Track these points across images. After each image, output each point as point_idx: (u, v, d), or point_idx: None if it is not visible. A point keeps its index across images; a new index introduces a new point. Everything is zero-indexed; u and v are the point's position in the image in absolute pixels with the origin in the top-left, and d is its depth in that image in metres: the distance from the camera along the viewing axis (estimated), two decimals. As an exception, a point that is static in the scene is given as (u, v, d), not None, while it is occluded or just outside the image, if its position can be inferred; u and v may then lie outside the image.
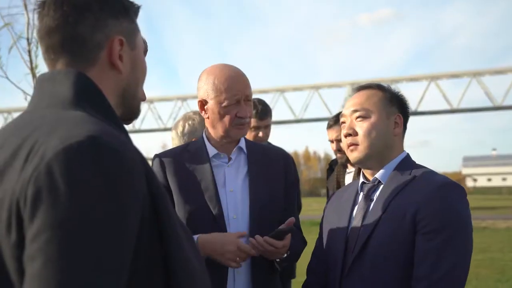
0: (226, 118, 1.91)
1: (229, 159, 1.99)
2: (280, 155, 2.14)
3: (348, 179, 3.28)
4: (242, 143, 2.03)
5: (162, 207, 0.92)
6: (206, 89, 1.93)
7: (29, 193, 0.78)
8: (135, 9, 1.12)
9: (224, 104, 1.89)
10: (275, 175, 2.02)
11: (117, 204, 0.81)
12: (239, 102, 1.91)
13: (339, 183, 3.34)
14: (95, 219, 0.78)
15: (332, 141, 3.39)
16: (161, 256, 0.91)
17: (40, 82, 1.01)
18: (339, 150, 3.32)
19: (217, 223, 1.87)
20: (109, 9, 1.04)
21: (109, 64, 1.04)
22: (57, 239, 0.75)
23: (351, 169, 3.31)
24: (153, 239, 0.90)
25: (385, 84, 1.83)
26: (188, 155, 1.99)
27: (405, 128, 1.80)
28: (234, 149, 2.00)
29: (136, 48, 1.10)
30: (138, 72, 1.12)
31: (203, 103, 1.96)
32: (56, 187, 0.77)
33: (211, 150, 1.99)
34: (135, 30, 1.11)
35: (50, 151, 0.80)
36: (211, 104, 1.93)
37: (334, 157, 3.74)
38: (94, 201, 0.78)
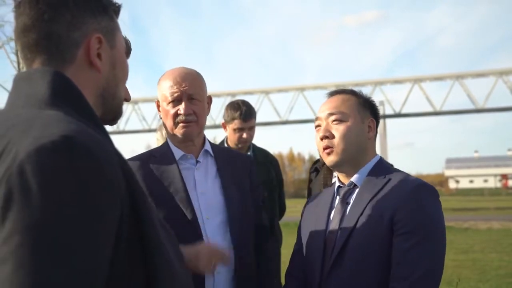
0: (169, 116, 1.97)
1: (197, 162, 2.01)
2: (244, 157, 2.20)
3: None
4: (208, 146, 2.06)
5: (142, 207, 0.90)
6: (158, 91, 2.01)
7: (0, 195, 0.76)
8: (115, 8, 1.10)
9: (166, 102, 1.97)
10: (241, 177, 2.06)
11: (91, 204, 0.78)
12: (180, 100, 1.94)
13: (326, 186, 3.32)
14: (68, 221, 0.75)
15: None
16: (142, 257, 0.89)
17: (17, 81, 0.99)
18: None
19: (191, 225, 1.86)
20: (86, 7, 1.02)
21: (87, 62, 1.02)
22: (29, 242, 0.73)
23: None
24: (133, 240, 0.88)
25: (357, 90, 1.86)
26: (154, 160, 1.99)
27: (376, 133, 1.84)
28: (201, 152, 2.02)
29: (115, 46, 1.08)
30: (118, 71, 1.10)
31: (158, 105, 2.04)
32: (28, 188, 0.75)
33: (177, 152, 2.01)
34: (114, 28, 1.09)
35: (23, 151, 0.78)
36: (161, 105, 2.01)
37: (318, 158, 3.72)
38: (67, 202, 0.76)
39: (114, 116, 1.13)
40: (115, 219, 0.83)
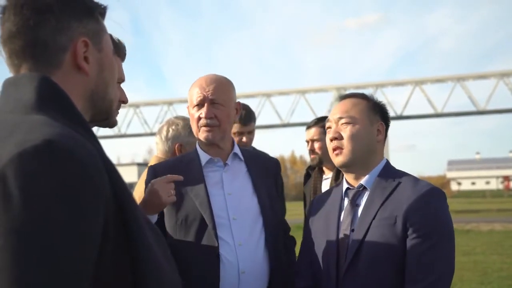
0: (194, 120, 2.03)
1: (225, 164, 2.04)
2: (271, 161, 2.23)
3: (325, 185, 3.28)
4: (237, 150, 2.10)
5: (128, 209, 0.91)
6: (188, 96, 2.07)
7: None
8: (101, 10, 1.10)
9: (192, 106, 2.03)
10: (269, 180, 2.11)
11: (74, 207, 0.79)
12: (203, 104, 1.98)
13: (316, 189, 3.34)
14: (49, 224, 0.76)
15: (307, 142, 3.42)
16: (129, 259, 0.90)
17: (5, 87, 0.99)
18: (312, 150, 3.34)
19: (208, 227, 1.89)
20: (71, 11, 1.02)
21: (74, 66, 1.02)
22: (10, 246, 0.73)
23: (327, 175, 3.31)
24: (120, 242, 0.88)
25: (368, 94, 1.90)
26: (182, 165, 2.03)
27: (386, 136, 1.87)
28: (230, 155, 2.05)
29: (103, 49, 1.09)
30: (107, 73, 1.10)
31: (188, 111, 2.08)
32: (9, 193, 0.75)
33: (204, 157, 2.04)
34: (101, 31, 1.09)
35: (5, 156, 0.78)
36: (189, 109, 2.06)
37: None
38: (49, 207, 0.76)
39: (106, 117, 1.14)
40: (99, 221, 0.83)
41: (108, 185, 0.86)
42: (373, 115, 1.82)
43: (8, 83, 0.99)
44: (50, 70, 0.99)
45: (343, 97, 1.90)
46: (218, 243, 1.87)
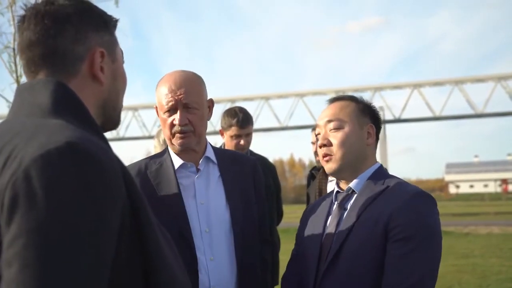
0: (167, 127, 1.88)
1: (198, 170, 1.91)
2: (248, 161, 2.09)
3: (330, 187, 3.28)
4: (210, 152, 1.96)
5: (142, 213, 0.93)
6: (156, 96, 1.91)
7: (6, 199, 0.79)
8: (114, 23, 1.14)
9: (162, 111, 1.87)
10: (246, 181, 1.98)
11: (95, 209, 0.81)
12: (175, 109, 1.84)
13: (321, 191, 3.33)
14: (72, 224, 0.78)
15: (313, 143, 3.41)
16: (142, 261, 0.92)
17: (20, 92, 1.02)
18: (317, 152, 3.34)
19: (184, 238, 1.79)
20: (89, 22, 1.06)
21: (90, 75, 1.06)
22: (34, 244, 0.75)
23: (333, 177, 3.31)
24: (133, 245, 0.91)
25: (357, 96, 1.86)
26: (153, 168, 1.92)
27: (377, 138, 1.83)
28: (201, 160, 1.92)
29: (116, 60, 1.13)
30: (119, 83, 1.14)
31: (157, 111, 1.94)
32: (33, 192, 0.78)
33: (177, 161, 1.92)
34: (114, 43, 1.13)
35: (28, 157, 0.81)
36: (159, 112, 1.91)
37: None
38: (71, 206, 0.79)
39: (113, 125, 1.17)
40: (116, 223, 0.86)
41: (124, 188, 0.89)
42: (362, 117, 1.78)
43: (22, 88, 1.02)
44: (66, 78, 1.02)
45: (331, 100, 1.84)
46: (197, 258, 1.78)
